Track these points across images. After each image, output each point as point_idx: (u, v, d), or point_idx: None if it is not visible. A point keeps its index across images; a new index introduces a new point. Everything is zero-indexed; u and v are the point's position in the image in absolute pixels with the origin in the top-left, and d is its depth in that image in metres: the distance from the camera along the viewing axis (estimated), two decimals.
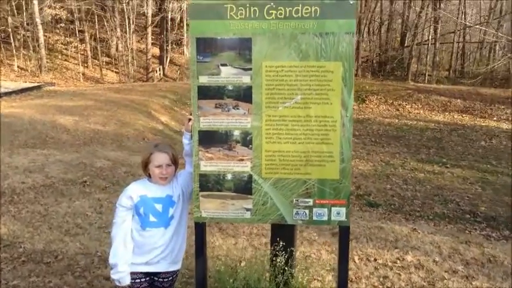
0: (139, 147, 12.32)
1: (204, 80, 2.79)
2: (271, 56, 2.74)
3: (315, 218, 2.86)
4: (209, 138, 2.85)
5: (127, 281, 2.80)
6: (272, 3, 2.69)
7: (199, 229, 2.99)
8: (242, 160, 2.84)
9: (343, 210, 2.84)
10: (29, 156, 9.42)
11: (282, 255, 3.12)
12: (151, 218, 2.83)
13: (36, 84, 22.38)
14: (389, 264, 4.85)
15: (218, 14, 2.72)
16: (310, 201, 2.85)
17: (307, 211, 2.86)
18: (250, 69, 2.77)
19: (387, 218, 7.46)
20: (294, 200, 2.86)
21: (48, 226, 5.68)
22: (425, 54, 33.18)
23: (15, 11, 30.20)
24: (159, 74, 32.62)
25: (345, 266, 2.82)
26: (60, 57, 32.50)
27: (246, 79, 2.77)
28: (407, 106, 22.50)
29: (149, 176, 2.90)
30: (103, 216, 6.08)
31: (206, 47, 2.74)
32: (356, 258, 4.94)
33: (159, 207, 2.84)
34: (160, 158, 2.82)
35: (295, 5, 2.68)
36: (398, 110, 22.24)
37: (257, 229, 5.73)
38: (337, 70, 2.71)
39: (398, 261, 4.93)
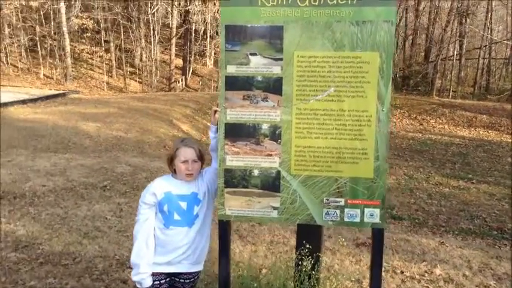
0: (160, 154, 12.29)
1: (232, 69, 2.65)
2: (303, 46, 2.58)
3: (346, 219, 2.68)
4: (236, 132, 2.70)
5: (148, 282, 2.67)
6: None
7: (223, 228, 2.82)
8: (270, 155, 2.68)
9: (377, 211, 2.65)
10: (51, 160, 9.48)
11: (308, 260, 2.94)
12: (176, 216, 2.70)
13: (61, 91, 22.69)
14: (417, 277, 4.65)
15: (249, 0, 2.58)
16: (342, 201, 2.66)
17: (338, 211, 2.68)
18: (281, 59, 2.61)
19: (413, 231, 7.21)
20: (325, 199, 2.68)
21: (67, 228, 5.63)
22: (449, 70, 32.72)
23: (43, 20, 30.84)
24: (181, 84, 32.84)
25: (377, 272, 2.62)
26: (85, 66, 33.01)
27: (276, 69, 2.62)
28: (431, 121, 22.13)
29: (174, 171, 2.79)
30: (122, 220, 6.00)
31: (235, 35, 2.60)
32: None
33: (183, 205, 2.71)
34: (187, 153, 2.70)
35: None
36: (422, 124, 21.88)
37: (278, 237, 5.58)
38: (373, 61, 2.53)
39: (426, 274, 4.72)
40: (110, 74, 32.87)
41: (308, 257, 2.95)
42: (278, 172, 2.70)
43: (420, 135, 19.80)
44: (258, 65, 2.63)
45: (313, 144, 2.65)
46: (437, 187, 12.19)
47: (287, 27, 2.59)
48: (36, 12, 29.83)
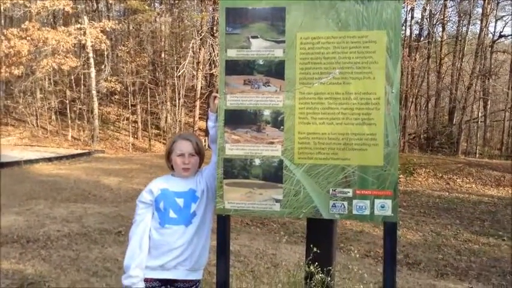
0: None
1: (232, 53, 2.54)
2: (306, 27, 2.47)
3: (355, 211, 2.43)
4: (236, 118, 2.55)
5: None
6: None
7: (222, 223, 2.60)
8: (272, 143, 2.50)
9: (389, 202, 2.40)
10: (69, 208, 9.48)
11: (316, 268, 2.67)
12: (172, 214, 2.52)
13: (86, 151, 23.08)
14: None
15: None
16: (350, 192, 2.44)
17: (345, 203, 2.44)
18: (283, 41, 2.50)
19: (440, 278, 6.75)
20: (331, 190, 2.45)
21: (76, 268, 5.49)
22: (474, 132, 32.25)
23: (73, 84, 31.99)
24: (205, 145, 33.01)
25: (391, 271, 2.34)
26: (112, 128, 33.71)
27: (278, 52, 2.50)
28: (458, 180, 21.51)
29: (172, 168, 2.65)
30: None
31: (236, 17, 2.51)
32: None
33: (180, 201, 2.53)
34: (183, 146, 2.57)
35: None
36: (448, 183, 21.27)
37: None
38: (380, 40, 2.40)
39: None
40: (135, 136, 33.41)
41: (317, 266, 2.69)
42: (281, 161, 2.51)
43: (447, 193, 19.19)
44: (260, 48, 2.52)
45: (317, 131, 2.47)
46: (467, 244, 11.59)
47: (289, 9, 2.49)
48: (67, 76, 30.97)
